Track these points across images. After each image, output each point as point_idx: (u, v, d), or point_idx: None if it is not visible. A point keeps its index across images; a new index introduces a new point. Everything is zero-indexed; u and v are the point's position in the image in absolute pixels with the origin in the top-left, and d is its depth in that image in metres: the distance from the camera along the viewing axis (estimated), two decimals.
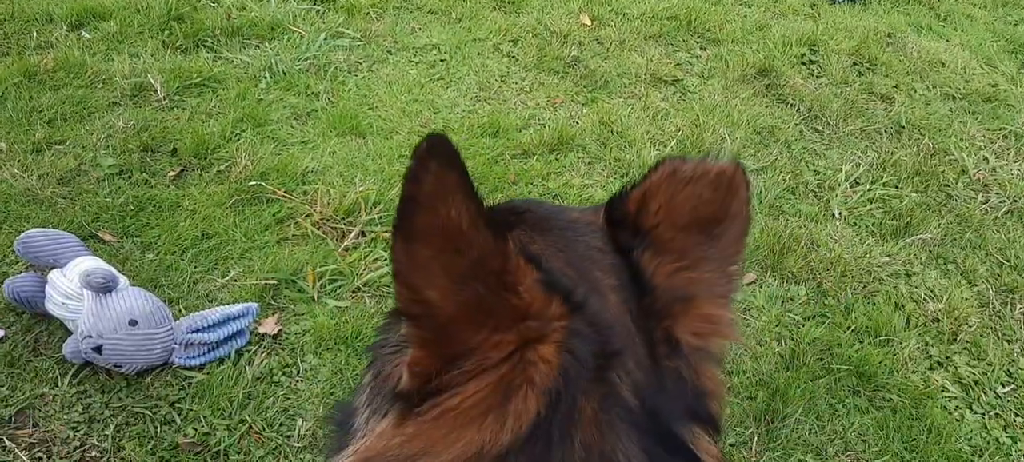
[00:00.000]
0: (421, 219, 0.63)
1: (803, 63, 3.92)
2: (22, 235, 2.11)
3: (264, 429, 1.99)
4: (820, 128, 3.47)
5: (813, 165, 3.22)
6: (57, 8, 3.31)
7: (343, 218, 2.58)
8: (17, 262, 2.25)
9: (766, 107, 3.54)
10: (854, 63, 3.97)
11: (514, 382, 0.68)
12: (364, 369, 0.86)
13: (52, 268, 2.09)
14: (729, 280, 0.84)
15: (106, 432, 1.93)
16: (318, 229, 2.53)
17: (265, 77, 3.17)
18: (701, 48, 3.98)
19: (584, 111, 3.35)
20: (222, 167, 2.70)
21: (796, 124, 3.46)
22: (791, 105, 3.58)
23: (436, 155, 0.62)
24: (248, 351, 2.15)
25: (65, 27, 3.21)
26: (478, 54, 3.64)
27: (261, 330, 2.21)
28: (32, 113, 2.76)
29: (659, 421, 0.72)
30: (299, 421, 2.03)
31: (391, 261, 0.66)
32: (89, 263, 2.06)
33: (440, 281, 0.65)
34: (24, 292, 2.08)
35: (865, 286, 2.65)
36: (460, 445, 0.67)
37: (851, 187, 3.10)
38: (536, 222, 0.84)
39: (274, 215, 2.57)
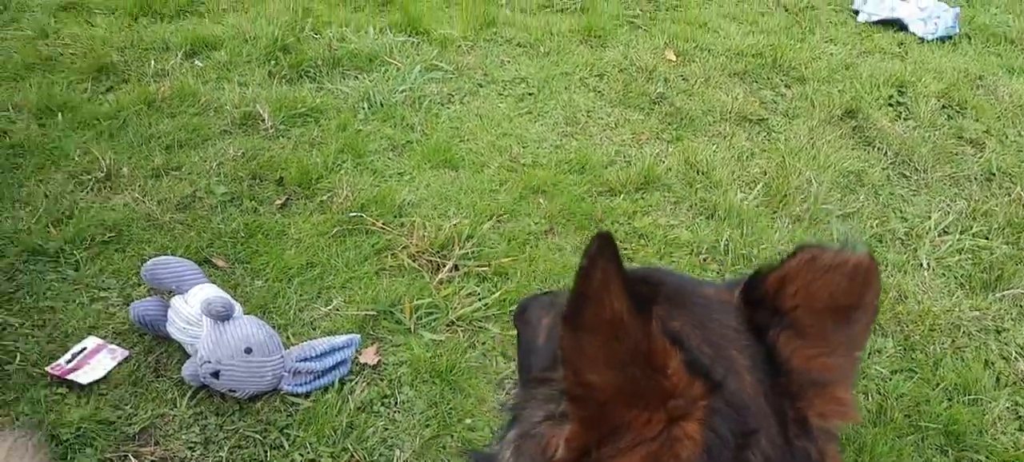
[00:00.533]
0: (589, 312, 0.70)
1: (890, 105, 3.90)
2: (148, 262, 2.26)
3: (364, 458, 2.10)
4: (908, 173, 3.46)
5: (901, 212, 3.21)
6: (173, 37, 3.51)
7: (438, 251, 2.68)
8: (139, 286, 2.41)
9: (853, 150, 3.54)
10: (943, 106, 3.94)
11: (663, 457, 0.73)
12: (505, 426, 0.92)
13: (174, 293, 2.24)
14: (854, 365, 0.89)
15: (221, 453, 2.06)
16: (414, 261, 2.64)
17: (364, 108, 3.31)
18: (786, 86, 4.00)
19: (669, 149, 3.40)
20: (324, 197, 2.84)
21: (883, 168, 3.45)
22: (878, 148, 3.57)
23: (603, 253, 0.68)
24: (350, 381, 2.27)
25: (180, 56, 3.41)
26: (565, 88, 3.73)
27: (362, 360, 2.32)
28: (151, 139, 2.95)
29: None
30: (396, 451, 2.13)
31: (559, 348, 0.73)
32: (209, 292, 2.20)
33: (602, 367, 0.71)
34: (148, 315, 2.23)
35: (953, 341, 2.64)
36: None
37: (940, 236, 3.08)
38: (672, 296, 0.88)
39: (373, 246, 2.68)
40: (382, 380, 2.30)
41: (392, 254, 2.67)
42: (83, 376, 2.13)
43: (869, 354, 2.54)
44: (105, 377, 2.15)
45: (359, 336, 2.32)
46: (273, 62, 3.46)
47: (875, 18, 4.67)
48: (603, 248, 0.68)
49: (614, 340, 0.70)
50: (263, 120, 3.13)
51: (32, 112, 2.97)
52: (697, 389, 0.73)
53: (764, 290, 0.87)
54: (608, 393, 0.72)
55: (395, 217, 2.81)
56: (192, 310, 2.17)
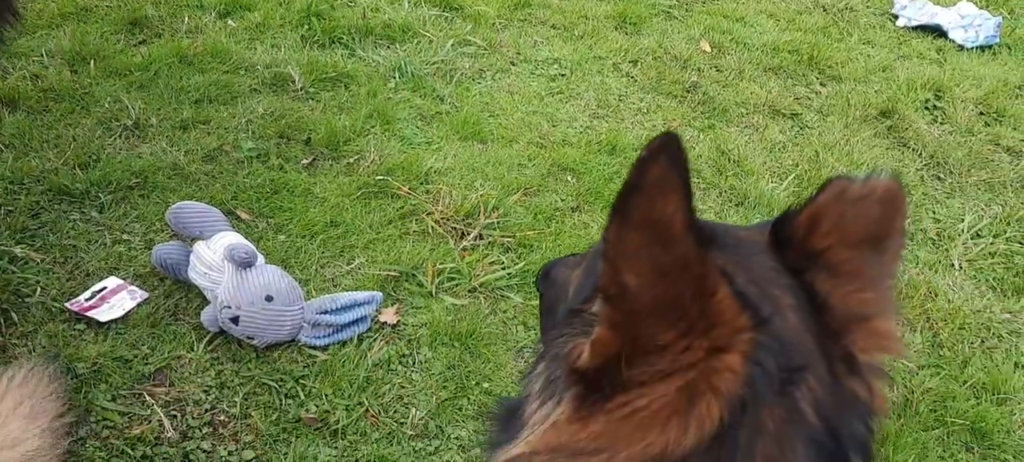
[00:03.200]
0: (639, 206, 0.66)
1: (927, 108, 3.84)
2: (173, 206, 2.26)
3: (380, 413, 2.08)
4: (942, 176, 3.39)
5: (933, 213, 3.15)
6: None
7: (463, 219, 2.66)
8: (162, 231, 2.40)
9: (887, 150, 3.48)
10: (980, 113, 3.86)
11: (700, 388, 0.69)
12: (534, 361, 0.89)
13: (197, 239, 2.23)
14: (892, 293, 0.86)
15: (235, 399, 2.04)
16: (439, 227, 2.62)
17: (395, 77, 3.30)
18: (821, 84, 3.94)
19: (701, 137, 3.36)
20: (351, 159, 2.82)
21: (917, 169, 3.39)
22: (913, 149, 3.51)
23: (667, 151, 0.64)
24: (368, 337, 2.25)
25: (214, 14, 3.41)
26: (598, 72, 3.69)
27: (381, 319, 2.30)
28: (181, 93, 2.94)
29: (839, 443, 0.73)
30: (413, 410, 2.10)
31: (602, 239, 0.70)
32: (233, 238, 2.19)
33: (642, 270, 0.68)
34: (170, 259, 2.22)
35: (983, 341, 2.58)
36: (642, 445, 0.70)
37: (972, 239, 3.02)
38: (714, 236, 0.85)
39: (398, 210, 2.66)
40: (401, 339, 2.27)
41: (417, 219, 2.65)
42: (102, 314, 2.12)
43: None
44: (124, 317, 2.14)
45: (381, 294, 2.30)
46: (306, 27, 3.45)
47: (914, 23, 4.60)
48: (668, 145, 0.65)
49: (660, 245, 0.66)
50: (293, 81, 3.12)
51: (65, 59, 2.98)
52: (744, 320, 0.70)
53: (795, 229, 0.84)
54: (644, 301, 0.68)
55: (421, 183, 2.79)
56: (215, 255, 2.15)
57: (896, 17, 4.70)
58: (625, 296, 0.69)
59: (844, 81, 3.95)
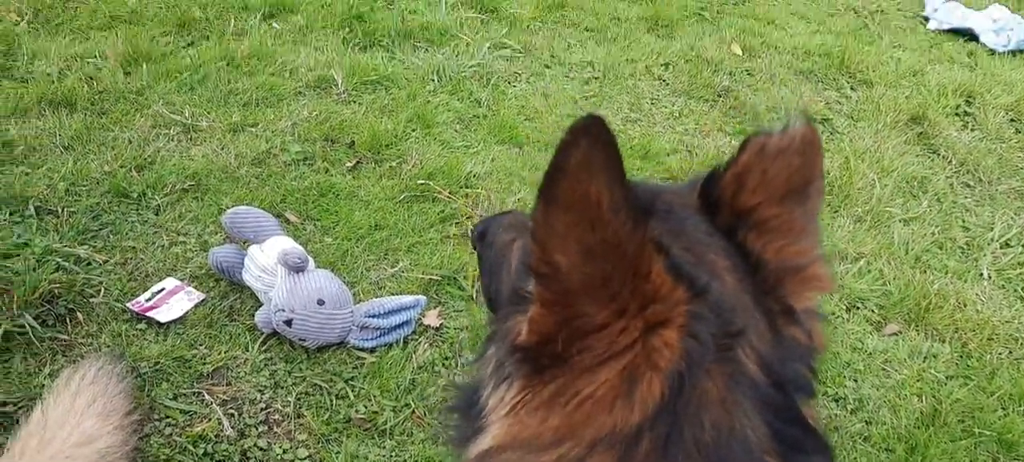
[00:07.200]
0: (563, 188, 0.67)
1: (957, 114, 3.87)
2: (229, 211, 2.35)
3: (426, 414, 2.17)
4: (972, 183, 3.43)
5: (963, 221, 3.19)
6: None
7: None
8: (216, 233, 2.50)
9: (917, 156, 3.52)
10: (1012, 119, 3.89)
11: (640, 369, 0.72)
12: (483, 345, 0.92)
13: (251, 243, 2.32)
14: (818, 234, 0.89)
15: (288, 398, 2.14)
16: None
17: (433, 80, 3.38)
18: (852, 88, 3.98)
19: (733, 142, 3.41)
20: (394, 163, 2.91)
21: (947, 177, 3.42)
22: (943, 156, 3.55)
23: (589, 133, 0.65)
24: (413, 340, 2.33)
25: (259, 17, 3.51)
26: (630, 75, 3.75)
27: (425, 322, 2.39)
28: (230, 95, 3.04)
29: (784, 393, 0.77)
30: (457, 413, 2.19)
31: (531, 220, 0.71)
32: (286, 243, 2.28)
33: (570, 249, 0.69)
34: (226, 262, 2.32)
35: (1011, 352, 2.63)
36: (593, 428, 0.73)
37: (1002, 248, 3.06)
38: (648, 203, 0.84)
39: (439, 213, 2.75)
40: (444, 342, 2.36)
41: (457, 223, 2.73)
42: (162, 314, 2.22)
43: (924, 358, 2.54)
44: (182, 317, 2.24)
45: (425, 298, 2.38)
46: (347, 29, 3.54)
47: (946, 26, 4.62)
48: (590, 128, 0.65)
49: (586, 226, 0.68)
50: (337, 84, 3.21)
51: (118, 61, 3.08)
52: (679, 294, 0.72)
53: (721, 190, 0.87)
54: (574, 279, 0.71)
55: (461, 187, 2.87)
56: (268, 259, 2.25)
57: (927, 20, 4.72)
58: (557, 275, 0.71)
59: (874, 85, 3.99)
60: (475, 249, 1.29)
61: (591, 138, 0.65)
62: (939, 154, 3.56)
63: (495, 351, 0.85)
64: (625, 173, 0.67)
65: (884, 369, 2.46)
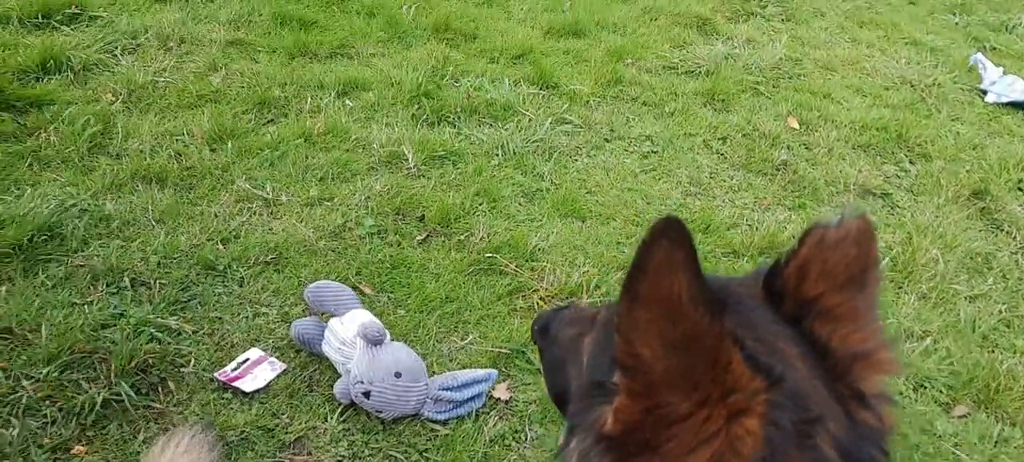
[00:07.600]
0: (645, 286, 0.72)
1: (1020, 189, 3.87)
2: (311, 285, 2.47)
3: None
4: None
5: None
6: (327, 77, 3.79)
7: (567, 297, 2.81)
8: (296, 305, 2.61)
9: (980, 232, 3.52)
10: None
11: (725, 456, 0.75)
12: (565, 438, 0.96)
13: (331, 316, 2.43)
14: (880, 319, 0.93)
15: None
16: (544, 304, 2.78)
17: (498, 155, 3.50)
18: (910, 162, 4.00)
19: (792, 216, 3.46)
20: (462, 236, 3.01)
21: (1012, 253, 3.42)
22: (1007, 232, 3.54)
23: (668, 234, 0.71)
24: (484, 413, 2.40)
25: (333, 94, 3.68)
26: (689, 149, 3.83)
27: (495, 395, 2.46)
28: (307, 171, 3.19)
29: None
30: None
31: (615, 315, 0.76)
32: (364, 316, 2.38)
33: (653, 342, 0.74)
34: (307, 333, 2.43)
35: None
36: None
37: None
38: (727, 304, 0.88)
39: (506, 286, 2.83)
40: (513, 415, 2.42)
41: (523, 296, 2.81)
42: (247, 384, 2.33)
43: (995, 442, 2.53)
44: (265, 387, 2.35)
45: (496, 372, 2.46)
46: (416, 106, 3.69)
47: (1004, 100, 4.63)
48: (669, 229, 0.71)
49: (668, 321, 0.73)
50: (407, 160, 3.34)
51: (204, 139, 3.26)
52: (757, 384, 0.75)
53: (784, 281, 0.91)
54: (658, 371, 0.75)
55: (527, 261, 2.96)
56: (348, 332, 2.35)
57: (985, 93, 4.73)
58: (641, 367, 0.76)
59: (934, 159, 4.00)
60: (536, 342, 1.33)
61: (670, 238, 0.71)
62: (1003, 229, 3.56)
63: (578, 443, 0.88)
64: (701, 269, 0.72)
65: (954, 453, 2.46)
